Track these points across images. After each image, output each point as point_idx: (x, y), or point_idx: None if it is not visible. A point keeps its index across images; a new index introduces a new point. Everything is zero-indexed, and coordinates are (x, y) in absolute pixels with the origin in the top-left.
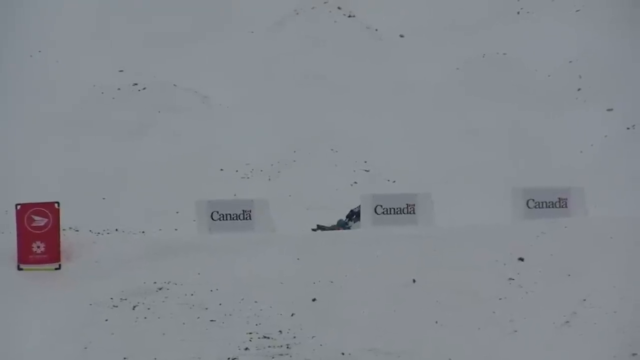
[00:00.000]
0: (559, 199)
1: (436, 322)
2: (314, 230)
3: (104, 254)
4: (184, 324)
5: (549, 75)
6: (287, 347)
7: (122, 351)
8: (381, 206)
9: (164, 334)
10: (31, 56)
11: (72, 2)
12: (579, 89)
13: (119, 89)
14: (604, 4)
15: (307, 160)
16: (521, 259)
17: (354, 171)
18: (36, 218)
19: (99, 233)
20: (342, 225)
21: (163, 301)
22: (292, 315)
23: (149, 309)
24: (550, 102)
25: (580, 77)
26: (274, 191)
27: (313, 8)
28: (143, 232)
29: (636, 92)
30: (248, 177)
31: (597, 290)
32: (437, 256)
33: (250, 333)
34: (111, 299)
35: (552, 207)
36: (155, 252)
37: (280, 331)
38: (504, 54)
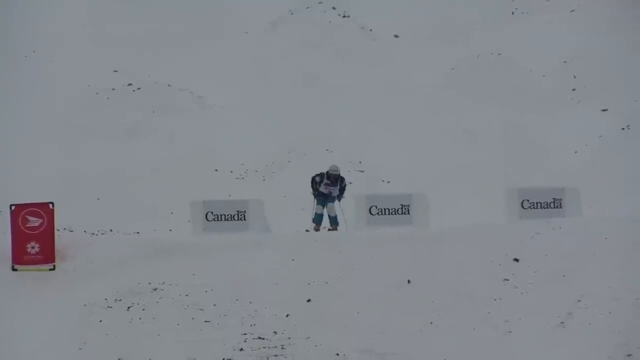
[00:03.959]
0: (554, 199)
1: (431, 323)
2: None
3: (99, 254)
4: (178, 324)
5: (543, 76)
6: (282, 348)
7: (117, 352)
8: (376, 207)
9: (158, 334)
10: (26, 56)
11: (67, 2)
12: (573, 89)
13: (113, 89)
14: (598, 4)
15: (301, 161)
16: (516, 260)
17: (349, 171)
18: (31, 219)
19: (93, 234)
20: (318, 221)
21: (158, 302)
22: (286, 316)
23: (143, 309)
24: (545, 103)
25: (574, 77)
26: (268, 192)
27: (308, 8)
28: (137, 232)
29: (631, 93)
30: (242, 178)
31: (592, 291)
32: (432, 257)
33: (245, 334)
34: (106, 299)
35: (547, 207)
36: (150, 253)
37: (275, 332)
38: (499, 54)
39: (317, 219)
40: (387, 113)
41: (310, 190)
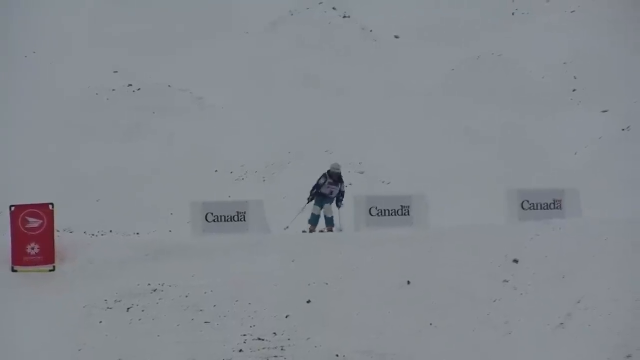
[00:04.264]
0: (554, 200)
1: (431, 324)
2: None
3: (98, 255)
4: (178, 325)
5: (543, 77)
6: (282, 349)
7: (116, 353)
8: (376, 207)
9: (158, 335)
10: (25, 57)
11: (67, 2)
12: (573, 90)
13: (113, 89)
14: (598, 5)
15: (301, 162)
16: (515, 261)
17: (349, 172)
18: (30, 219)
19: (93, 234)
20: (314, 222)
21: (157, 303)
22: (286, 316)
23: (143, 310)
24: (544, 103)
25: (575, 78)
26: (268, 192)
27: (308, 9)
28: (137, 233)
29: (631, 94)
30: (242, 179)
31: (591, 292)
32: (431, 257)
33: (245, 335)
34: (105, 300)
35: (547, 208)
36: (150, 254)
37: (274, 333)
38: (499, 55)
39: (314, 220)
40: (387, 114)
41: (309, 193)
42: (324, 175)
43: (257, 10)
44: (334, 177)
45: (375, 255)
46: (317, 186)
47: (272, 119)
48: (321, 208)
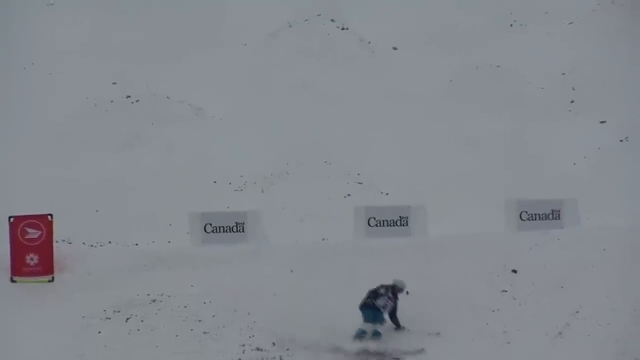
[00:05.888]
0: (552, 210)
1: (429, 334)
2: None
3: (97, 266)
4: (177, 336)
5: (542, 88)
6: None
7: None
8: (374, 218)
9: (157, 346)
10: (24, 68)
11: (66, 14)
12: (572, 101)
13: (112, 101)
14: (597, 16)
15: (300, 172)
16: (514, 271)
17: (347, 183)
18: (29, 230)
19: (92, 245)
20: (361, 336)
21: (156, 313)
22: (285, 327)
23: (142, 321)
24: (543, 114)
25: (573, 89)
26: (267, 203)
27: (306, 20)
28: (136, 244)
29: (629, 104)
30: (241, 189)
31: (590, 302)
32: (430, 268)
33: (244, 345)
34: (104, 311)
35: (545, 218)
36: (149, 264)
37: (273, 343)
38: (498, 66)
39: (361, 334)
40: (386, 124)
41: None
42: (385, 287)
43: (255, 22)
44: (395, 292)
45: (374, 265)
46: (374, 294)
47: (271, 130)
48: (373, 323)
